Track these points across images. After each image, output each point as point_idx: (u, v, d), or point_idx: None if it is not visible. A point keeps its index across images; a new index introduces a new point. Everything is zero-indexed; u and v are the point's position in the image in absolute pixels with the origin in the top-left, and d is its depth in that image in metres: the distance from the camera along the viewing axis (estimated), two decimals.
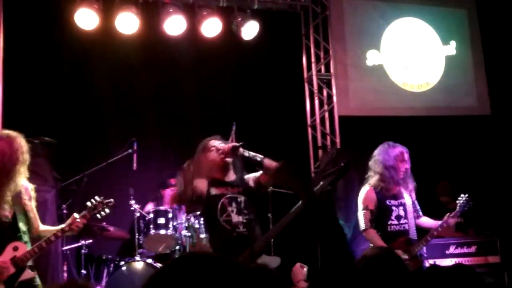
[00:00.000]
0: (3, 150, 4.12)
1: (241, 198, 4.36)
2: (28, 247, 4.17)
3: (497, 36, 8.91)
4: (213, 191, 4.35)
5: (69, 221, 4.36)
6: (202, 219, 5.77)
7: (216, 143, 4.47)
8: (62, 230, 4.31)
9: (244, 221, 4.27)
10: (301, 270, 3.64)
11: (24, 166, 4.20)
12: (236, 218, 4.27)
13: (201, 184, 4.32)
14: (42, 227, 4.46)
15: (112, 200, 4.55)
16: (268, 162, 4.26)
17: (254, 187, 4.43)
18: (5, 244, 4.10)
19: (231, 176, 4.42)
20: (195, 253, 1.33)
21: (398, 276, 2.71)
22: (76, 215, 4.38)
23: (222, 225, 4.25)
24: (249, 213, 4.32)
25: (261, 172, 4.38)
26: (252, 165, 4.37)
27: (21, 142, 4.21)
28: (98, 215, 4.51)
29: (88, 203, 4.44)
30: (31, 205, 4.32)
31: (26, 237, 4.24)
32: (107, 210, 4.50)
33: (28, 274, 4.12)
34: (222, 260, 1.24)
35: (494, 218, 7.39)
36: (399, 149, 5.17)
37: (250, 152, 4.29)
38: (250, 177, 4.47)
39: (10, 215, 4.17)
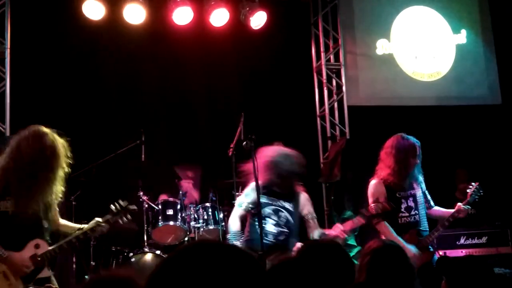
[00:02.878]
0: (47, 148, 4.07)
1: (286, 212, 4.72)
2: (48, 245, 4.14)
3: (508, 25, 8.79)
4: (265, 199, 4.74)
5: (92, 224, 4.24)
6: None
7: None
8: (85, 233, 4.22)
9: (278, 233, 4.66)
10: None
11: (61, 170, 4.14)
12: (271, 228, 4.69)
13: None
14: (62, 222, 4.41)
15: (135, 207, 4.43)
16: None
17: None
18: (27, 240, 4.04)
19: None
20: (203, 241, 1.31)
21: (402, 268, 2.72)
22: (99, 219, 4.26)
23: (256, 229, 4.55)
24: (287, 227, 4.71)
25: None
26: None
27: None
28: (120, 221, 4.37)
29: (112, 207, 4.29)
30: (53, 199, 4.29)
31: (47, 235, 4.18)
32: (129, 217, 4.38)
33: (45, 272, 4.09)
34: (231, 248, 1.24)
35: (505, 209, 7.34)
36: (412, 142, 5.08)
37: None
38: (305, 204, 4.87)
39: (35, 211, 4.12)
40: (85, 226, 4.28)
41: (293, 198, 4.85)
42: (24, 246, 4.03)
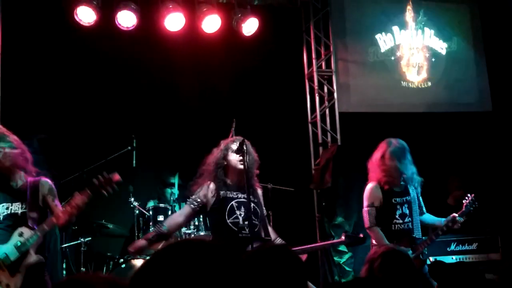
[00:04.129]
0: None
1: (251, 205, 4.39)
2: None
3: (499, 33, 8.87)
4: (224, 193, 4.41)
5: (70, 202, 4.22)
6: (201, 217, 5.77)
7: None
8: (64, 210, 4.18)
9: (251, 225, 4.31)
10: None
11: None
12: (243, 221, 4.35)
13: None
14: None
15: (119, 177, 4.25)
16: None
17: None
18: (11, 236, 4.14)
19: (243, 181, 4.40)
20: (188, 240, 1.32)
21: (407, 273, 2.76)
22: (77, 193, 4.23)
23: (229, 226, 4.32)
24: (257, 218, 4.40)
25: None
26: None
27: None
28: (104, 191, 4.20)
29: (94, 180, 4.19)
30: (49, 201, 4.29)
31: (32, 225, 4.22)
32: (115, 186, 4.22)
33: (31, 257, 4.12)
34: (216, 246, 1.24)
35: (495, 215, 7.36)
36: (402, 145, 5.12)
37: None
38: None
39: (20, 210, 4.20)
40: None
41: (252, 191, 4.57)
42: (9, 239, 4.11)
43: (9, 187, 4.25)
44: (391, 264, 2.80)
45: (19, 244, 4.09)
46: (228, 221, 4.32)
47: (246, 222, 4.31)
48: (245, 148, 4.36)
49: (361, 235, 4.50)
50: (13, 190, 4.25)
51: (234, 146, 4.47)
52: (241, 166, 4.35)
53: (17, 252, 4.08)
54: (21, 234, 4.12)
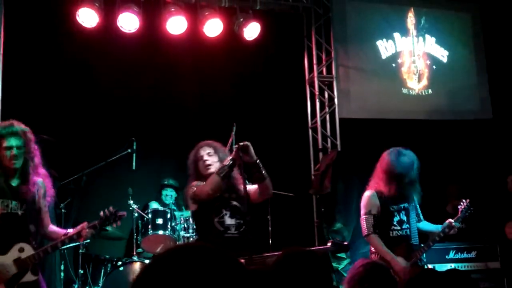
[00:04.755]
0: None
1: (236, 203, 4.37)
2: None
3: (500, 41, 8.88)
4: None
5: (78, 228, 4.23)
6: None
7: (205, 152, 4.48)
8: (70, 238, 4.21)
9: (237, 224, 4.31)
10: None
11: None
12: (229, 220, 4.32)
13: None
14: (52, 228, 4.39)
15: (125, 213, 4.43)
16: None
17: (251, 199, 4.42)
18: (12, 243, 4.04)
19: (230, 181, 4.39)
20: (188, 244, 1.32)
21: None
22: (85, 224, 4.25)
23: (215, 225, 4.30)
24: (242, 218, 4.36)
25: (256, 187, 4.41)
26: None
27: None
28: (109, 227, 4.45)
29: (101, 213, 4.28)
30: (44, 202, 4.27)
31: (34, 239, 4.16)
32: (118, 223, 4.36)
33: (29, 277, 4.06)
34: (216, 252, 1.23)
35: (494, 224, 7.36)
36: (409, 158, 5.07)
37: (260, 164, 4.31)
38: (251, 188, 4.44)
39: (20, 212, 4.12)
40: (71, 230, 4.28)
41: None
42: (9, 250, 4.02)
43: (9, 185, 4.16)
44: (371, 277, 2.82)
45: (17, 259, 4.02)
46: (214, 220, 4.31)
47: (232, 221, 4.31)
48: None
49: (346, 243, 4.48)
50: (13, 188, 4.17)
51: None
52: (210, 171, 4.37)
53: (15, 269, 4.02)
54: (21, 250, 4.05)
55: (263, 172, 4.32)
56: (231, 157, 4.26)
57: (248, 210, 4.34)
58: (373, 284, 2.81)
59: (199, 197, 4.31)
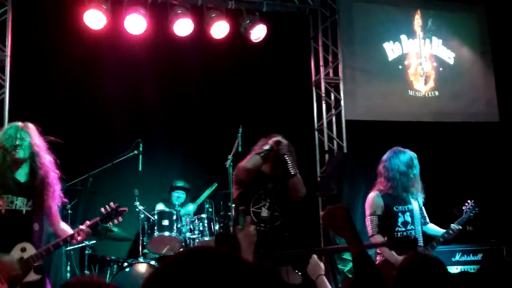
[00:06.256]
0: None
1: (278, 195, 4.43)
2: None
3: (507, 43, 8.85)
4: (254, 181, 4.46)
5: (80, 227, 4.24)
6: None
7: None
8: (72, 236, 4.20)
9: (272, 217, 4.34)
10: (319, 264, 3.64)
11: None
12: (265, 212, 4.36)
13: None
14: (62, 226, 4.38)
15: (126, 209, 4.45)
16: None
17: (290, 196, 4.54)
18: (15, 243, 4.03)
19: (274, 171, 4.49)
20: (199, 247, 1.32)
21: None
22: (87, 222, 4.27)
23: (250, 215, 4.35)
24: (280, 211, 4.42)
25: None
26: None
27: None
28: (111, 223, 4.47)
29: (102, 210, 4.30)
30: (53, 200, 4.25)
31: (38, 238, 4.14)
32: (120, 218, 4.39)
33: (32, 276, 4.05)
34: (226, 255, 1.23)
35: (501, 226, 7.34)
36: (409, 154, 5.13)
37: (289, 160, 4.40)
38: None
39: (25, 210, 4.10)
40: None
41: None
42: (11, 249, 4.02)
43: (16, 181, 4.12)
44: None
45: (20, 259, 4.01)
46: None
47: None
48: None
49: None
50: (20, 184, 4.13)
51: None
52: None
53: (19, 269, 4.00)
54: (23, 250, 4.04)
55: (291, 169, 4.34)
56: (270, 143, 4.40)
57: (289, 206, 4.38)
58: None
59: (239, 177, 4.37)
